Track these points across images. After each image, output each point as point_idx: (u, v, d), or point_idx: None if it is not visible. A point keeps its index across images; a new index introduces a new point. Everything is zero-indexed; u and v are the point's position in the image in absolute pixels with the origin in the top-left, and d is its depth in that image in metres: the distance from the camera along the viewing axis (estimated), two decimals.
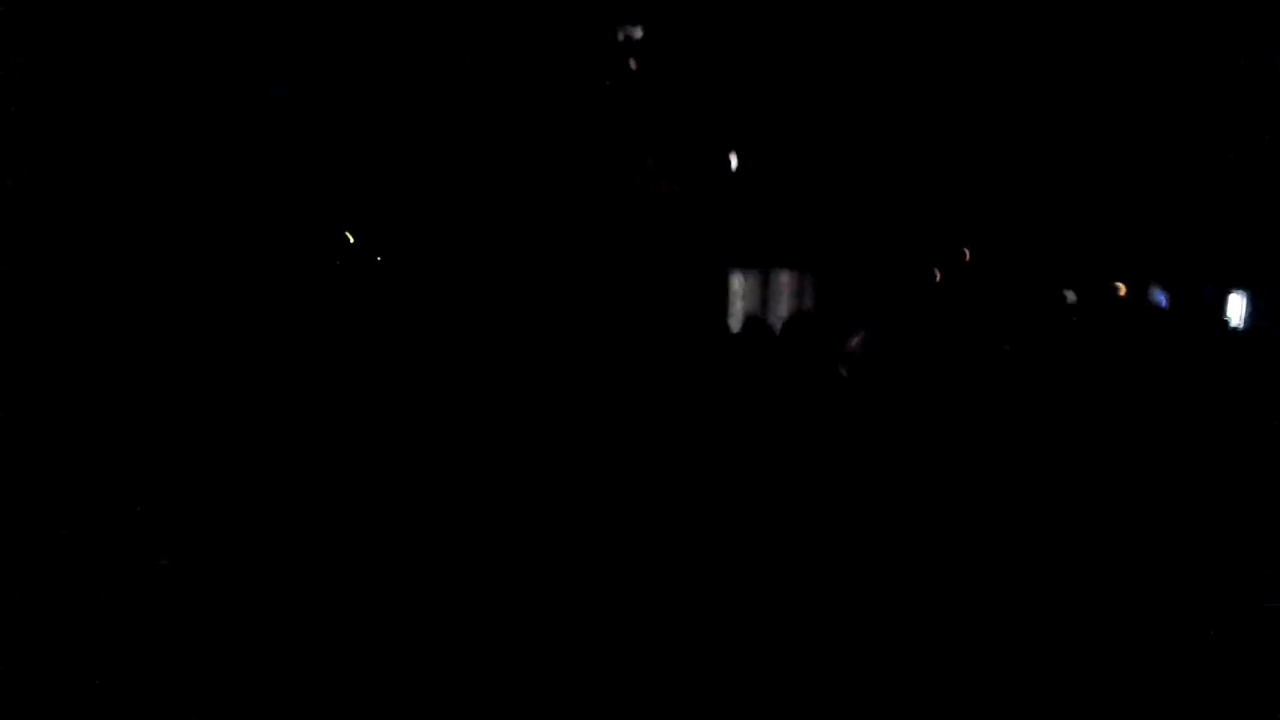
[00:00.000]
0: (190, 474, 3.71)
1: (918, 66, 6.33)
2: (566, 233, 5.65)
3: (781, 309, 5.91)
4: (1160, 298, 5.88)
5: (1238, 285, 5.94)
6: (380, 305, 5.02)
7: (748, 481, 4.41)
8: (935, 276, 6.48)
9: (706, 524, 4.03)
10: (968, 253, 6.38)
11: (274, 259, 4.71)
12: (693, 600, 3.39)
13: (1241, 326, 5.95)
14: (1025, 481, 4.58)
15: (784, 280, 5.94)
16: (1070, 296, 6.07)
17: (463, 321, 5.03)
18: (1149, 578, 3.71)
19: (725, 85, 6.18)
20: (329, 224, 4.96)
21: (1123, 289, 6.06)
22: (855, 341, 5.24)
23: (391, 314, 4.96)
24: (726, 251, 5.94)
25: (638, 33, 5.99)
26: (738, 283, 5.86)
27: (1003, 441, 4.94)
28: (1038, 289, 6.07)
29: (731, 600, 3.43)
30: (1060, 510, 4.34)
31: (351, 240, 4.94)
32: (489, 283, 5.29)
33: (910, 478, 4.54)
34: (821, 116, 6.33)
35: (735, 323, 5.74)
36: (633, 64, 6.05)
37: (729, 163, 6.03)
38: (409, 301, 5.04)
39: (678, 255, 5.78)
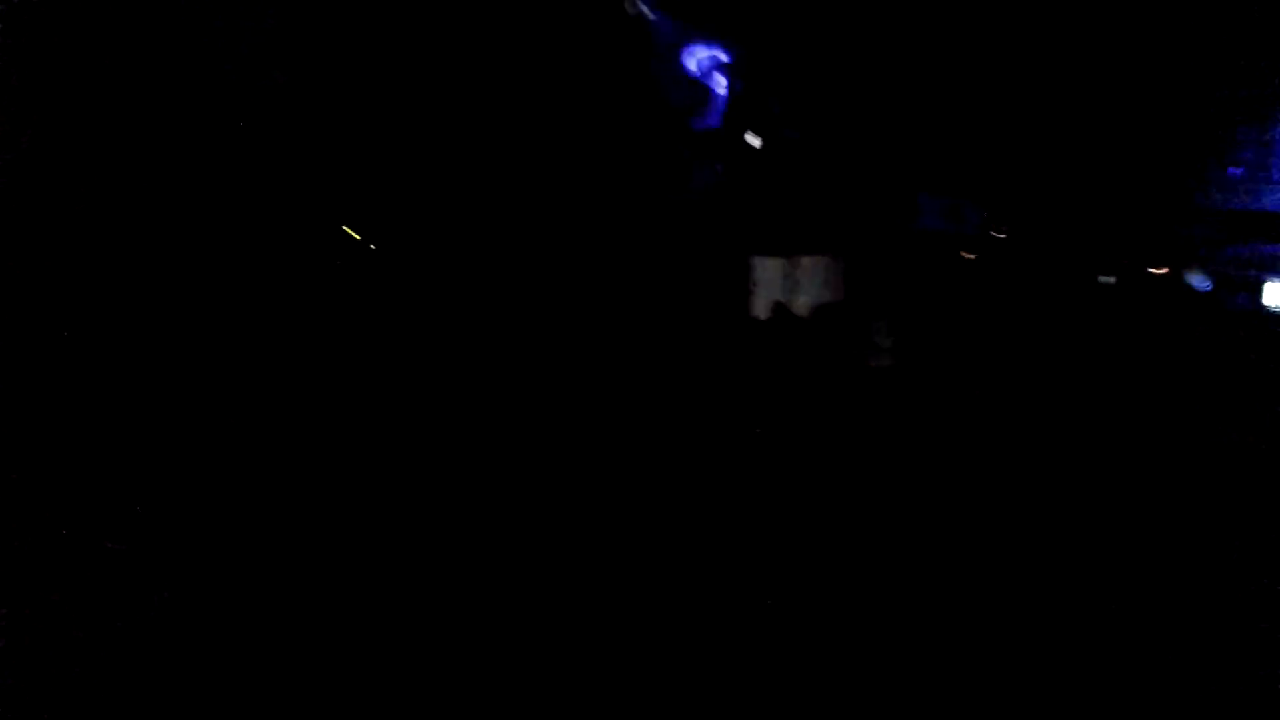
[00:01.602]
0: (184, 471, 3.71)
1: (950, 39, 6.16)
2: (587, 220, 5.57)
3: (808, 296, 5.80)
4: (1200, 281, 5.72)
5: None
6: (395, 287, 4.99)
7: (773, 466, 4.40)
8: (966, 259, 6.35)
9: (731, 508, 4.03)
10: (1001, 234, 6.24)
11: (273, 254, 4.69)
12: (709, 580, 3.38)
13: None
14: (1057, 468, 4.53)
15: (809, 265, 5.82)
16: (1109, 280, 5.93)
17: (483, 308, 5.00)
18: (1179, 560, 3.67)
19: (749, 65, 6.06)
20: (327, 218, 4.93)
21: (1161, 272, 5.91)
22: (879, 332, 5.16)
23: (402, 295, 4.93)
24: (750, 237, 5.83)
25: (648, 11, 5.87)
26: (762, 269, 5.75)
27: (1034, 428, 4.87)
28: (1074, 272, 5.93)
29: (749, 581, 3.42)
30: (1097, 497, 4.31)
31: (356, 236, 4.89)
32: (507, 270, 5.24)
33: (940, 464, 4.50)
34: (848, 95, 6.18)
35: (762, 310, 5.65)
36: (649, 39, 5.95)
37: (752, 145, 5.90)
38: (418, 283, 5.01)
39: (701, 242, 5.69)
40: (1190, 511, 4.11)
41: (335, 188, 4.86)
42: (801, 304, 5.58)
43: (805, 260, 5.82)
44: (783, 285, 5.74)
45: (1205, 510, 4.11)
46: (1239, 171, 5.79)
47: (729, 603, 3.28)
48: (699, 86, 6.28)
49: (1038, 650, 3.05)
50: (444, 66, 5.30)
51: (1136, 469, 4.52)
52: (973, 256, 5.99)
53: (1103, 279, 5.73)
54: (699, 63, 6.33)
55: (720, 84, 6.35)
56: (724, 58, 6.41)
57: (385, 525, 3.57)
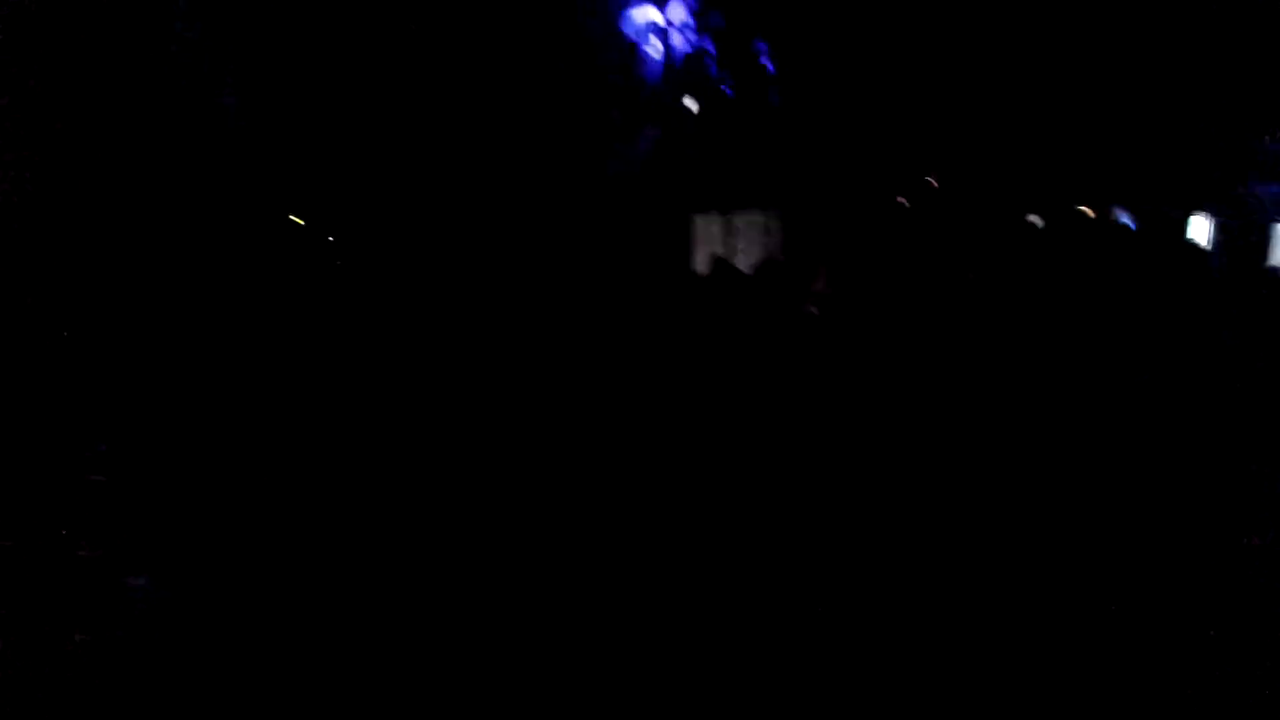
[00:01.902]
0: (184, 471, 3.72)
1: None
2: (529, 181, 5.60)
3: (748, 251, 5.89)
4: (1126, 220, 5.87)
5: (1200, 208, 5.94)
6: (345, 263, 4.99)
7: (722, 427, 4.41)
8: (904, 205, 6.45)
9: (681, 469, 4.03)
10: (934, 182, 6.35)
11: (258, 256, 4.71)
12: (667, 548, 3.39)
13: (1208, 248, 5.97)
14: (1001, 415, 4.59)
15: (747, 222, 5.91)
16: (1037, 221, 6.06)
17: (427, 274, 5.01)
18: (1120, 513, 3.70)
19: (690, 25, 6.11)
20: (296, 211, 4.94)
21: (1090, 212, 6.05)
22: (821, 282, 5.23)
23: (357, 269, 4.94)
24: (690, 196, 5.90)
25: None
26: (702, 226, 5.83)
27: (976, 373, 4.95)
28: (1005, 215, 6.05)
29: (706, 549, 3.43)
30: (1039, 449, 4.33)
31: (300, 222, 4.89)
32: (454, 234, 5.26)
33: (884, 416, 4.55)
34: (782, 51, 6.25)
35: (701, 266, 5.72)
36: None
37: (690, 109, 5.97)
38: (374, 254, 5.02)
39: (642, 200, 5.75)
40: (1131, 463, 4.16)
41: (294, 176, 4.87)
42: (741, 259, 5.67)
43: (743, 216, 5.91)
44: (723, 241, 5.82)
45: (1146, 462, 4.17)
46: None
47: (677, 580, 3.31)
48: (635, 49, 6.31)
49: (1009, 633, 3.06)
50: (384, 34, 5.29)
51: (1080, 414, 4.60)
52: (906, 202, 6.10)
53: (1032, 219, 5.86)
54: (635, 26, 6.37)
55: (656, 47, 6.39)
56: (660, 20, 6.45)
57: (365, 520, 3.58)
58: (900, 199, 6.06)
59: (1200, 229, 6.11)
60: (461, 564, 3.31)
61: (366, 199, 5.21)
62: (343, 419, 4.10)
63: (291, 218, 4.94)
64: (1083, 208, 5.84)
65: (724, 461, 4.07)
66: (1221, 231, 6.13)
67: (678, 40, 6.35)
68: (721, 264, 5.58)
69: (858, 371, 4.94)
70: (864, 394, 4.73)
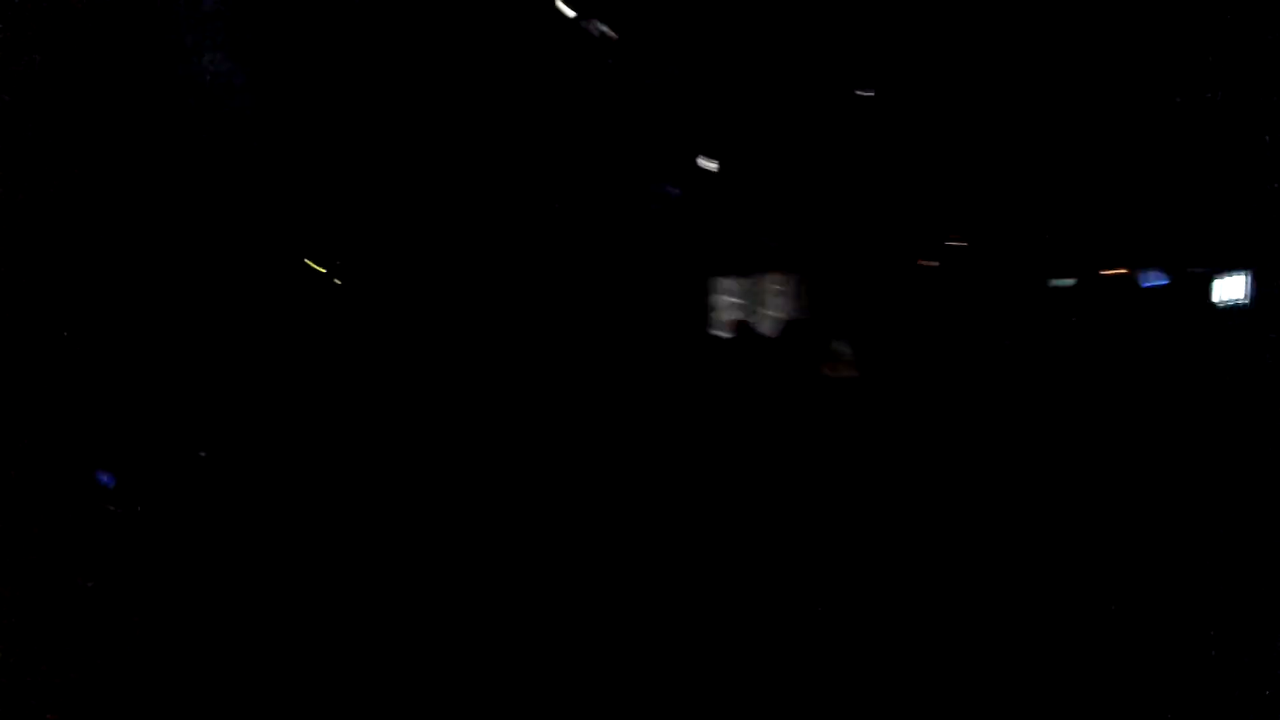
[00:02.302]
0: (183, 471, 3.74)
1: (895, 52, 6.26)
2: (546, 240, 5.62)
3: (771, 313, 5.85)
4: (1157, 279, 5.79)
5: (1232, 266, 5.83)
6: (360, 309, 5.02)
7: (740, 484, 4.41)
8: (931, 267, 6.41)
9: (698, 526, 4.04)
10: (961, 244, 6.30)
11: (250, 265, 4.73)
12: (680, 597, 3.39)
13: (1236, 305, 5.85)
14: (1029, 475, 4.55)
15: (769, 283, 5.88)
16: (1068, 283, 5.99)
17: (443, 329, 5.03)
18: (1147, 566, 3.68)
19: (700, 84, 6.13)
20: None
21: (1119, 273, 5.97)
22: (841, 349, 5.21)
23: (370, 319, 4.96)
24: (710, 256, 5.90)
25: (608, 29, 5.93)
26: (725, 288, 5.81)
27: (1005, 436, 4.90)
28: (1033, 278, 5.99)
29: (719, 598, 3.43)
30: (1066, 503, 4.32)
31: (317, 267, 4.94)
32: (469, 291, 5.28)
33: (910, 479, 4.52)
34: (799, 113, 6.26)
35: (724, 329, 5.69)
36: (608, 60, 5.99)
37: (708, 167, 5.98)
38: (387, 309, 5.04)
39: (660, 261, 5.75)
40: (1162, 516, 4.13)
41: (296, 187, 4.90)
42: (764, 322, 5.64)
43: (766, 278, 5.88)
44: (745, 304, 5.79)
45: (1175, 515, 4.14)
46: None
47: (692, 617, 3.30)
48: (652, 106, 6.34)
49: (992, 650, 3.07)
50: (420, 79, 5.36)
51: (1099, 470, 4.56)
52: (934, 264, 6.06)
53: (1058, 283, 5.80)
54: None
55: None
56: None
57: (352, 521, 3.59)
58: (927, 261, 6.02)
59: (1237, 285, 6.02)
60: (450, 567, 3.32)
61: (380, 213, 5.23)
62: (339, 422, 4.13)
63: (308, 261, 4.98)
64: (1111, 270, 5.78)
65: (742, 516, 4.07)
66: (1260, 285, 6.03)
67: None
68: (744, 328, 5.56)
69: (883, 438, 4.91)
70: (888, 459, 4.71)
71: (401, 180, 5.25)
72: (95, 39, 4.28)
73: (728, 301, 5.79)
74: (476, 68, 5.51)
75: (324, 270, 4.95)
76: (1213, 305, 5.64)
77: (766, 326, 5.67)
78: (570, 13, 5.70)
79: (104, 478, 3.53)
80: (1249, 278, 5.97)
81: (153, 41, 4.48)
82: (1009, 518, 4.14)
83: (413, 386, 4.63)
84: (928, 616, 3.34)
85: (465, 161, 5.44)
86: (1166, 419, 4.97)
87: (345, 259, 4.97)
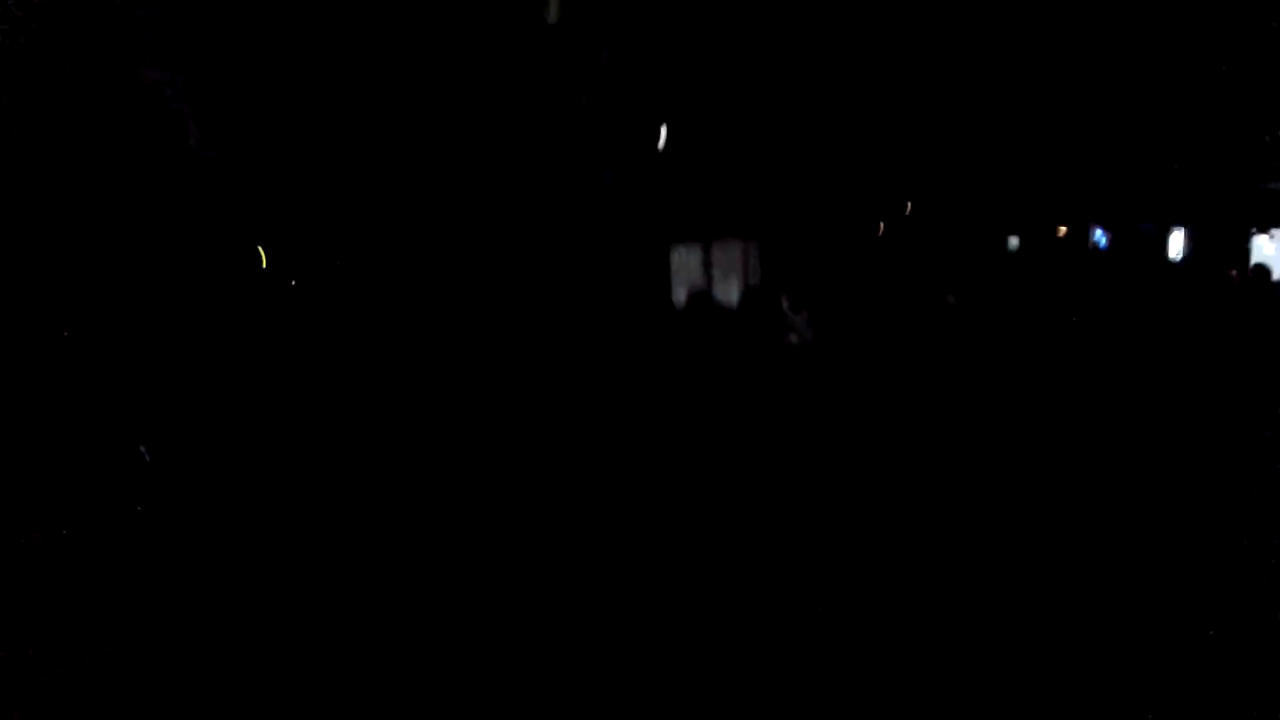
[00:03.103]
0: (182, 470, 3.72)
1: (848, 18, 6.30)
2: (505, 211, 5.58)
3: (728, 279, 5.90)
4: (1102, 237, 5.93)
5: (1176, 222, 6.00)
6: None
7: (704, 453, 4.42)
8: (880, 230, 6.48)
9: (662, 495, 4.04)
10: (909, 206, 6.38)
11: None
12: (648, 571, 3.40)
13: (1181, 261, 6.03)
14: (983, 432, 4.63)
15: (724, 250, 5.92)
16: (1013, 242, 6.11)
17: (404, 306, 5.01)
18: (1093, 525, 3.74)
19: (652, 53, 6.11)
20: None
21: (1063, 230, 6.10)
22: (799, 317, 5.26)
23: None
24: (667, 225, 5.90)
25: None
26: (680, 256, 5.83)
27: (957, 393, 4.99)
28: (981, 237, 6.09)
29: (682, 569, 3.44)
30: (1019, 462, 4.39)
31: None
32: (430, 268, 5.25)
33: (869, 439, 4.57)
34: (754, 81, 6.28)
35: (682, 297, 5.72)
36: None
37: (663, 136, 5.97)
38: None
39: (617, 231, 5.75)
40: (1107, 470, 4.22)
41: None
42: (720, 289, 5.68)
43: (721, 246, 5.91)
44: (701, 272, 5.83)
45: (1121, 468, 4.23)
46: None
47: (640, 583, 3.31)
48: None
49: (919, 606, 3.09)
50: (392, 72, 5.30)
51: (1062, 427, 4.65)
52: (883, 228, 6.15)
53: (1009, 239, 5.93)
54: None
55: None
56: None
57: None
58: (878, 223, 6.09)
59: (1174, 241, 6.19)
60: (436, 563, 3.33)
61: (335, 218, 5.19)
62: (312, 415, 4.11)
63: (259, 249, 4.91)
64: (1058, 227, 5.91)
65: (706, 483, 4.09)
66: (1193, 243, 6.22)
67: None
68: (701, 296, 5.59)
69: (839, 395, 4.97)
70: (846, 416, 4.77)
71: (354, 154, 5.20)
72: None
73: (686, 269, 5.82)
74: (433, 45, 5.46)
75: (267, 256, 4.89)
76: (1165, 259, 5.80)
77: (724, 294, 5.71)
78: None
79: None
80: (1184, 233, 6.17)
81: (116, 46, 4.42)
82: (970, 477, 4.22)
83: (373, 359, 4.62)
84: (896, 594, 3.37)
85: (424, 141, 5.40)
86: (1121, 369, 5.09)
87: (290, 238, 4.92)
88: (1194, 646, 2.79)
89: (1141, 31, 5.92)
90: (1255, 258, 5.79)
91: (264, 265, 4.81)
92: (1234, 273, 5.22)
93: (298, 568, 3.27)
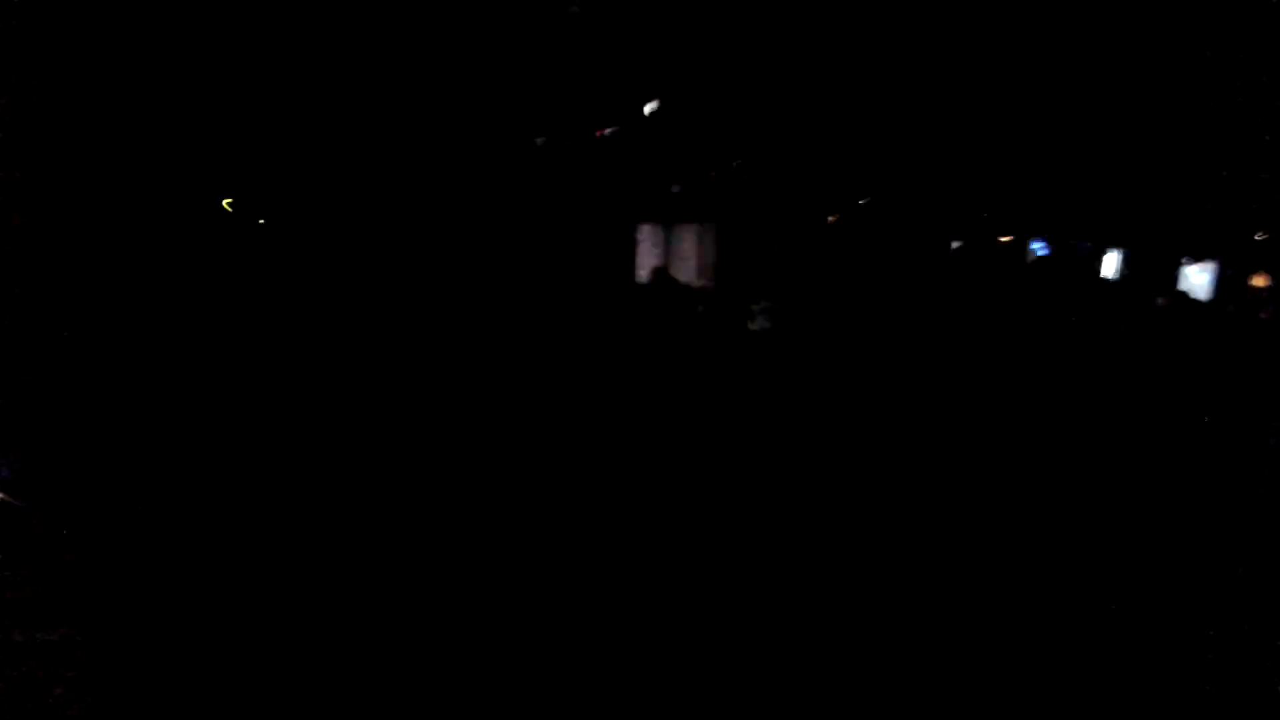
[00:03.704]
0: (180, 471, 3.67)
1: (815, 21, 6.36)
2: (476, 186, 5.57)
3: (686, 261, 6.01)
4: (1041, 247, 6.23)
5: (1112, 242, 6.32)
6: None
7: (670, 435, 4.45)
8: (831, 221, 6.67)
9: (629, 477, 4.04)
10: (862, 202, 6.58)
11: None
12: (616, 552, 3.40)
13: (1113, 279, 6.36)
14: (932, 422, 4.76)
15: (686, 233, 6.02)
16: (955, 245, 6.36)
17: (376, 289, 4.99)
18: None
19: (632, 38, 6.11)
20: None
21: (1006, 239, 6.39)
22: (756, 297, 5.39)
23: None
24: (632, 205, 5.97)
25: None
26: (644, 235, 5.91)
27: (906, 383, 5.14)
28: (929, 238, 6.32)
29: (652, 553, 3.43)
30: (961, 446, 4.48)
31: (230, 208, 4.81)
32: (400, 247, 5.23)
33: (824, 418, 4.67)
34: (728, 71, 6.34)
35: (644, 274, 5.81)
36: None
37: (639, 115, 6.00)
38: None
39: (582, 209, 5.79)
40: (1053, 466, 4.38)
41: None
42: (679, 268, 5.79)
43: (683, 228, 6.02)
44: (663, 252, 5.93)
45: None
46: None
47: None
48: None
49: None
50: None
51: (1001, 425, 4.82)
52: (835, 218, 6.32)
53: (953, 244, 6.15)
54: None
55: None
56: None
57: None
58: (831, 215, 6.27)
59: (1110, 261, 6.54)
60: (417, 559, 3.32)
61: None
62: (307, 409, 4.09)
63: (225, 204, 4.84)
64: (1000, 236, 6.19)
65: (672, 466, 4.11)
66: (1127, 264, 6.56)
67: None
68: (663, 274, 5.69)
69: (794, 376, 5.06)
70: (802, 397, 4.84)
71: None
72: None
73: (647, 248, 5.91)
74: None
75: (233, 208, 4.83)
76: (1096, 273, 6.13)
77: (684, 274, 5.83)
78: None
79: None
80: (1121, 256, 6.50)
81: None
82: (916, 462, 4.34)
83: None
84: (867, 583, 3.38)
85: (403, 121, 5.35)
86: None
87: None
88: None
89: (1099, 55, 6.14)
90: (1181, 285, 6.17)
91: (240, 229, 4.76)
92: (1162, 300, 5.57)
93: (295, 567, 3.24)
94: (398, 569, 3.24)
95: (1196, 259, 6.05)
